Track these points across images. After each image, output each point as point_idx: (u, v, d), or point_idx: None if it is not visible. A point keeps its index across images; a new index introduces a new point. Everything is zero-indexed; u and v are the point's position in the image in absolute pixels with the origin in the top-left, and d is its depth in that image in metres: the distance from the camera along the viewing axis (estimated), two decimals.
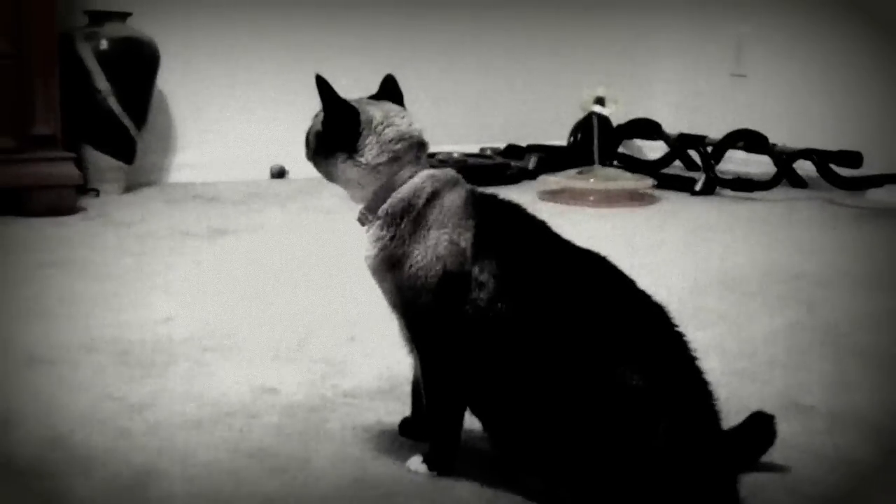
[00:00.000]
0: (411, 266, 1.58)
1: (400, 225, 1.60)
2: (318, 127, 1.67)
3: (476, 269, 1.55)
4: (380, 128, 1.63)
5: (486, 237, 1.57)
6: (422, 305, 1.58)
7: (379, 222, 1.62)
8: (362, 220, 1.65)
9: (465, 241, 1.57)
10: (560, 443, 1.48)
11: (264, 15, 4.64)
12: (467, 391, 1.58)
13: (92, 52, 3.99)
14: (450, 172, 1.66)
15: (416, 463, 1.63)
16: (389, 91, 1.71)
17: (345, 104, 1.63)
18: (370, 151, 1.62)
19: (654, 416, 1.44)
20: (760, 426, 1.69)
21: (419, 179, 1.62)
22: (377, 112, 1.64)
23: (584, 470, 1.47)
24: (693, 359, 1.53)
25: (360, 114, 1.63)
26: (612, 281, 1.57)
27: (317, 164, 1.69)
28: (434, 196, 1.61)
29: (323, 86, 1.62)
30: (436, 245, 1.57)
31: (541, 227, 1.63)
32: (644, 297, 1.56)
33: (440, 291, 1.56)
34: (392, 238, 1.60)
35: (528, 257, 1.57)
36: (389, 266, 1.61)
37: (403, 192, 1.61)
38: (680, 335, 1.53)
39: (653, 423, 1.44)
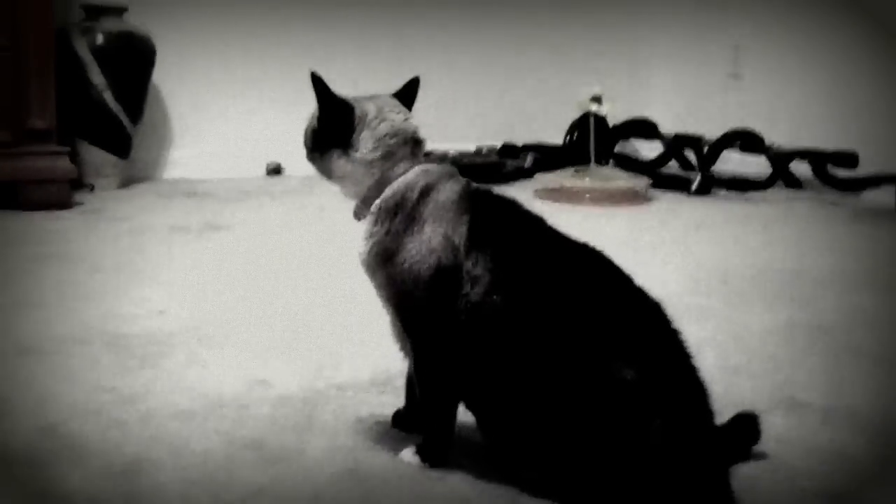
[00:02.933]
0: (405, 260, 1.58)
1: (394, 219, 1.60)
2: (314, 124, 1.66)
3: (469, 263, 1.54)
4: (374, 122, 1.63)
5: (480, 231, 1.57)
6: (415, 299, 1.58)
7: (373, 217, 1.62)
8: (357, 216, 1.65)
9: (459, 235, 1.56)
10: (554, 438, 1.48)
11: (261, 11, 4.63)
12: (460, 385, 1.58)
13: (88, 46, 3.98)
14: (444, 167, 1.65)
15: (408, 454, 1.62)
16: (407, 91, 1.71)
17: (338, 100, 1.63)
18: (364, 146, 1.62)
19: (647, 412, 1.44)
20: (745, 426, 1.69)
21: (412, 175, 1.62)
22: (371, 107, 1.64)
23: (578, 465, 1.47)
24: (688, 355, 1.52)
25: (355, 109, 1.63)
26: (608, 276, 1.57)
27: (314, 162, 1.69)
28: (427, 191, 1.60)
29: (318, 82, 1.62)
30: (429, 239, 1.57)
31: (536, 222, 1.62)
32: (640, 293, 1.56)
33: (433, 285, 1.56)
34: (386, 233, 1.60)
35: (523, 251, 1.57)
36: (383, 261, 1.60)
37: (396, 186, 1.61)
38: (675, 332, 1.53)
39: (646, 420, 1.44)
